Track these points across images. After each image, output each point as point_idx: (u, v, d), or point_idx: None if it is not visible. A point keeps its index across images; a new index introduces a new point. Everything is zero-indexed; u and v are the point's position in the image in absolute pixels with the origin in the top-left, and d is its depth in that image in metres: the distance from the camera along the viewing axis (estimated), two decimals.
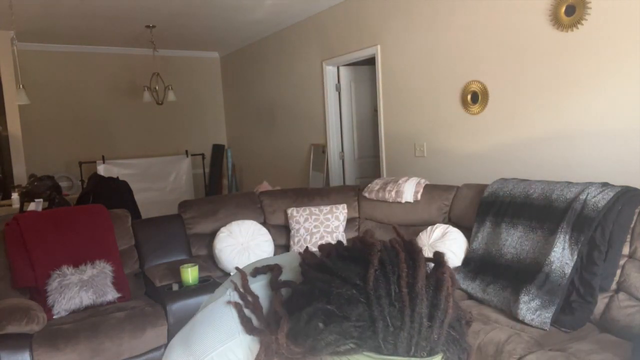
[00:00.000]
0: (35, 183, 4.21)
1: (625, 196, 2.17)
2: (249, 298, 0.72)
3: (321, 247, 0.75)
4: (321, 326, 0.58)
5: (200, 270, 2.81)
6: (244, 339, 0.71)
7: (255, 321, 0.70)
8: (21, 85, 4.52)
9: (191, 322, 0.78)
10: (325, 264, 0.64)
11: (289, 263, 0.78)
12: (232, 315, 0.72)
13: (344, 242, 0.72)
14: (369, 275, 0.57)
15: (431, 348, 0.55)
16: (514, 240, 2.45)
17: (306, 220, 3.30)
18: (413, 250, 0.62)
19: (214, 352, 0.71)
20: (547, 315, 2.11)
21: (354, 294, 0.57)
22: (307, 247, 0.85)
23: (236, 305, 0.72)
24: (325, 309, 0.58)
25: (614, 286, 2.13)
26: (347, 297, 0.57)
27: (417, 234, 2.90)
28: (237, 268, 0.81)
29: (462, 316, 0.62)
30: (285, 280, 0.73)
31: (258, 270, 0.77)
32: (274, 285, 0.72)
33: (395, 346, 0.54)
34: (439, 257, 0.62)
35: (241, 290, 0.74)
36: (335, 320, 0.57)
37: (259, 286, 0.74)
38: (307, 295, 0.62)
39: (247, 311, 0.71)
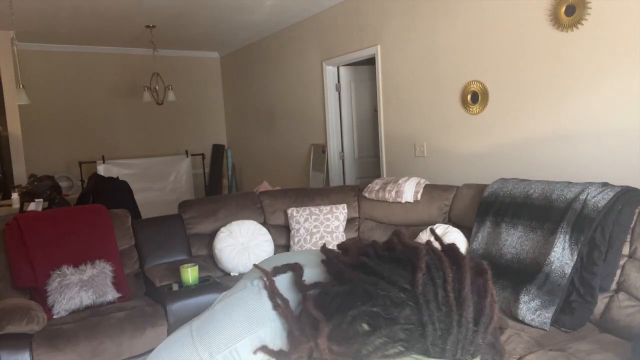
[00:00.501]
0: (35, 183, 4.21)
1: (625, 196, 2.17)
2: (279, 301, 0.70)
3: (345, 245, 0.74)
4: (366, 328, 0.58)
5: (200, 270, 2.81)
6: (275, 327, 0.70)
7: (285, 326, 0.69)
8: (21, 85, 4.52)
9: (208, 313, 0.75)
10: (367, 264, 0.63)
11: (306, 261, 0.77)
12: (262, 303, 0.70)
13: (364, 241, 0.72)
14: (417, 278, 0.58)
15: (474, 351, 0.57)
16: (514, 240, 2.45)
17: (306, 220, 3.30)
18: (456, 255, 0.62)
19: (238, 343, 0.70)
20: (547, 315, 2.11)
21: (401, 297, 0.57)
22: (324, 244, 0.83)
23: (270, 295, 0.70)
24: (370, 312, 0.58)
25: (614, 286, 2.13)
26: (395, 299, 0.57)
27: (417, 234, 2.90)
28: (256, 265, 0.79)
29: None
30: (316, 281, 0.71)
31: (278, 269, 0.76)
32: (302, 287, 0.71)
33: (443, 350, 0.55)
34: (482, 265, 0.62)
35: (270, 292, 0.72)
36: (381, 322, 0.57)
37: (280, 287, 0.73)
38: (345, 296, 0.62)
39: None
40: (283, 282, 0.74)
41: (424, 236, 2.80)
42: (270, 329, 0.70)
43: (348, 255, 0.71)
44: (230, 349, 0.70)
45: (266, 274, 0.75)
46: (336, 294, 0.64)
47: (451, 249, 0.64)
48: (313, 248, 3.23)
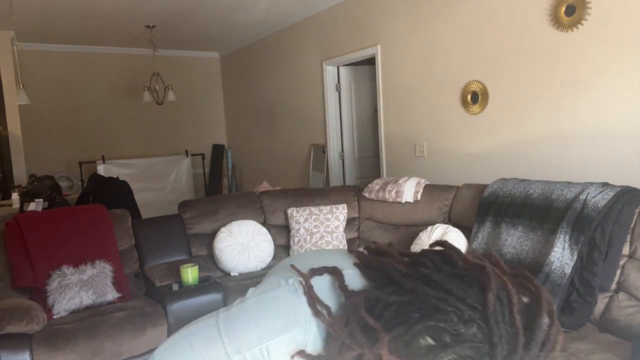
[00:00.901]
0: (35, 183, 4.21)
1: (625, 196, 2.17)
2: (319, 308, 0.69)
3: (382, 249, 0.73)
4: (430, 342, 0.58)
5: (200, 270, 2.81)
6: (310, 328, 0.69)
7: (327, 333, 0.67)
8: (21, 85, 4.52)
9: (238, 308, 0.73)
10: (430, 277, 0.63)
11: (337, 263, 0.76)
12: (298, 303, 0.69)
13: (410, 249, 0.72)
14: (489, 298, 0.58)
15: None
16: (514, 240, 2.45)
17: (306, 220, 3.30)
18: (528, 281, 0.64)
19: (271, 341, 0.68)
20: None
21: (472, 315, 0.58)
22: (362, 251, 0.80)
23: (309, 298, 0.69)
24: (437, 326, 0.58)
25: (614, 286, 2.13)
26: (463, 317, 0.58)
27: (417, 234, 2.90)
28: (293, 266, 0.76)
29: None
30: (364, 289, 0.69)
31: (314, 271, 0.74)
32: (350, 294, 0.69)
33: None
34: (541, 292, 0.63)
35: (309, 298, 0.70)
36: (446, 338, 0.57)
37: (318, 289, 0.71)
38: (402, 306, 0.61)
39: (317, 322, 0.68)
40: (321, 284, 0.72)
41: (424, 236, 2.80)
42: (304, 330, 0.69)
43: (395, 261, 0.70)
44: (261, 346, 0.69)
45: (304, 276, 0.72)
46: (390, 303, 0.63)
47: (523, 274, 0.65)
48: (313, 248, 3.23)
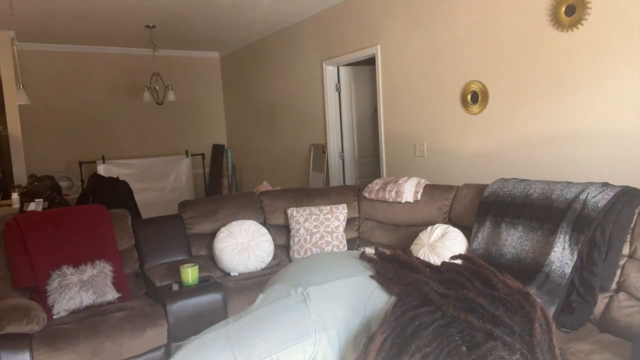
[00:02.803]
0: (35, 183, 4.21)
1: (625, 196, 2.17)
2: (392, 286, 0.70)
3: (402, 259, 0.73)
4: None
5: (200, 270, 2.81)
6: (320, 338, 0.68)
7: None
8: (21, 85, 4.52)
9: (248, 318, 0.72)
10: (474, 301, 0.62)
11: (348, 271, 0.75)
12: (308, 313, 0.69)
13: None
14: (535, 328, 0.59)
15: None
16: (514, 240, 2.44)
17: (306, 220, 3.30)
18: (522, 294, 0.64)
19: (281, 352, 0.68)
20: None
21: (517, 346, 0.58)
22: (373, 257, 0.79)
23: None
24: (485, 355, 0.58)
25: (614, 286, 2.13)
26: (509, 344, 0.58)
27: (417, 234, 2.90)
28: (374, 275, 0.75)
29: None
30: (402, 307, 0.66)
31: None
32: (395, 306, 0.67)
33: None
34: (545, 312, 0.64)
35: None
36: None
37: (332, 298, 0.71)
38: (444, 331, 0.60)
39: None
40: (339, 289, 0.71)
41: (424, 236, 2.80)
42: (314, 340, 0.68)
43: (426, 276, 0.69)
44: (271, 357, 0.68)
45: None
46: (428, 324, 0.61)
47: (525, 292, 0.66)
48: (313, 248, 3.23)
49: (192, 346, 0.74)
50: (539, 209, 2.39)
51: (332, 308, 0.70)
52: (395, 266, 0.75)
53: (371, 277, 0.73)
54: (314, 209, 3.34)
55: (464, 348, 0.58)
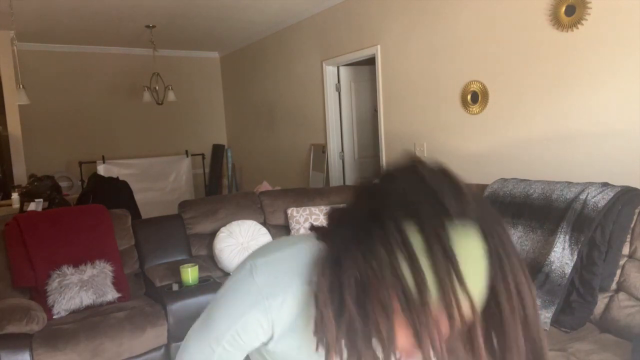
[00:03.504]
0: (35, 183, 4.21)
1: (625, 196, 2.17)
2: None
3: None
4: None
5: (200, 270, 2.81)
6: (271, 304, 0.71)
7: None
8: (21, 85, 4.52)
9: (210, 305, 0.80)
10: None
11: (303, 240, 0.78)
12: (253, 284, 0.72)
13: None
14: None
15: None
16: (514, 240, 2.44)
17: (306, 220, 3.30)
18: None
19: (237, 325, 0.73)
20: (547, 315, 2.11)
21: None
22: (311, 224, 0.84)
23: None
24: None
25: (614, 286, 2.13)
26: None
27: None
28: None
29: None
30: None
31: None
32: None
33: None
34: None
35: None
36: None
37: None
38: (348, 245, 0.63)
39: None
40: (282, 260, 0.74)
41: None
42: (264, 307, 0.71)
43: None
44: (231, 331, 0.73)
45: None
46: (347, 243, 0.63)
47: None
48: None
49: (181, 349, 0.83)
50: (539, 209, 2.40)
51: (279, 275, 0.72)
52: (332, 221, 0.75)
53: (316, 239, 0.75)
54: (314, 209, 3.34)
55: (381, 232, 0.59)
